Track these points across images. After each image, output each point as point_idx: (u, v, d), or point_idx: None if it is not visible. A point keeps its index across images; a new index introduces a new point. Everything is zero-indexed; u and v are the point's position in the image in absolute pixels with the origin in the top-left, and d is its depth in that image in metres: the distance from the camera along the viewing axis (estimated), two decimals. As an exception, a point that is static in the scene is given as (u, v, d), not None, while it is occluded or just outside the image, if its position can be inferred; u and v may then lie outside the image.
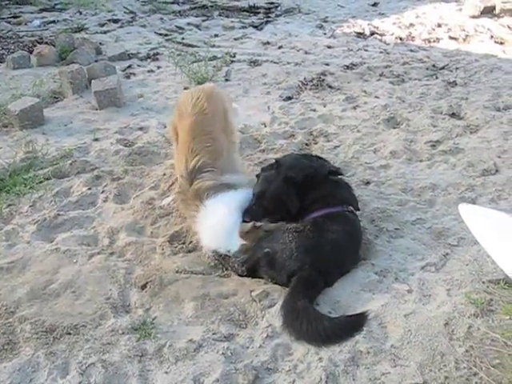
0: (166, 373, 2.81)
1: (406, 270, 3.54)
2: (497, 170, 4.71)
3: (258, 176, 3.97)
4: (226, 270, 3.58)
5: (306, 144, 5.27)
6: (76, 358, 2.88)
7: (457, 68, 7.39)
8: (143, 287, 3.42)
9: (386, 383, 2.73)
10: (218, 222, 3.59)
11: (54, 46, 8.09)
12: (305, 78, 6.98)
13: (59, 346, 2.96)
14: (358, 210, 3.86)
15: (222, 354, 2.90)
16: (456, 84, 6.76)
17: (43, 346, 2.96)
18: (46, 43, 8.40)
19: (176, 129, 4.10)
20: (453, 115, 5.86)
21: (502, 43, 8.64)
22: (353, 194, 3.92)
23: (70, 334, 3.04)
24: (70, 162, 4.85)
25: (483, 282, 3.33)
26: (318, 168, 3.86)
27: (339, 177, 3.96)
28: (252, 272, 3.51)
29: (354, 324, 3.05)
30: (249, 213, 3.69)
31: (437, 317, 3.08)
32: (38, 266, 3.57)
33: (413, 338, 2.97)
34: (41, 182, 4.55)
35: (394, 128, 5.61)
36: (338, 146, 5.20)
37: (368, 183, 4.57)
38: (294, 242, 3.38)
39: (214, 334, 3.05)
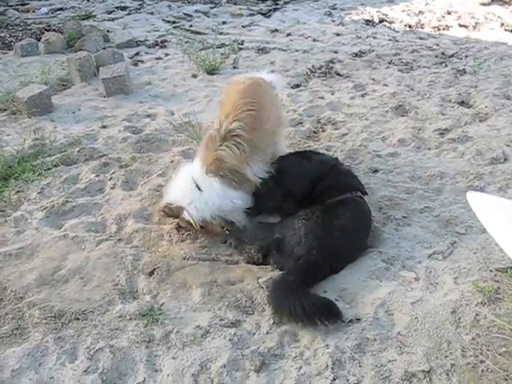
0: (173, 358, 2.83)
1: (413, 257, 3.54)
2: (505, 159, 4.67)
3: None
4: (242, 255, 3.59)
5: (314, 132, 5.24)
6: (84, 343, 2.91)
7: (466, 56, 7.33)
8: (151, 273, 3.44)
9: (392, 370, 2.73)
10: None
11: (61, 33, 8.11)
12: (313, 66, 6.95)
13: (67, 332, 2.99)
14: (366, 194, 3.86)
15: (229, 339, 2.92)
16: (465, 72, 6.70)
17: (52, 331, 2.98)
18: (54, 30, 8.43)
19: None
20: (462, 103, 5.81)
21: (512, 31, 8.55)
22: (357, 179, 3.93)
23: (78, 319, 3.07)
24: (78, 149, 4.87)
25: (491, 271, 3.32)
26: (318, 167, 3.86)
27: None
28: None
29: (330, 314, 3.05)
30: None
31: (444, 305, 3.08)
32: (47, 253, 3.59)
33: (419, 325, 2.97)
34: (49, 169, 4.57)
35: (403, 116, 5.57)
36: (346, 134, 5.18)
37: (376, 171, 4.55)
38: (303, 228, 3.39)
39: (221, 320, 3.06)
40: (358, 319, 3.05)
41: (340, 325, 3.01)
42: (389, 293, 3.21)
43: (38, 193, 4.26)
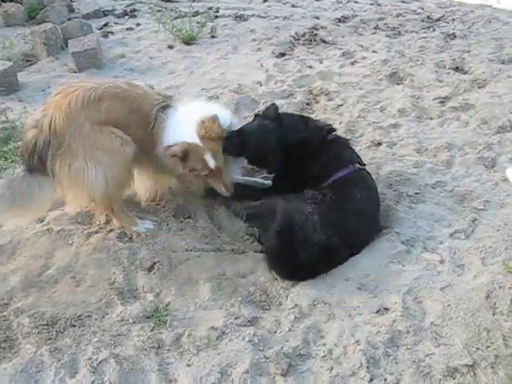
0: (188, 365, 2.53)
1: (433, 238, 3.30)
2: (512, 127, 4.46)
3: (256, 116, 3.64)
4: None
5: (307, 104, 4.92)
6: (85, 354, 2.58)
7: (453, 19, 7.09)
8: (150, 269, 3.10)
9: (431, 365, 2.50)
10: None
11: (21, 3, 7.49)
12: (296, 33, 6.59)
13: (64, 341, 2.64)
14: (364, 165, 3.55)
15: (249, 340, 2.63)
16: (455, 36, 6.47)
17: (46, 342, 2.64)
18: (12, 1, 7.75)
19: None
20: (457, 69, 5.57)
21: (494, -7, 8.31)
22: (354, 151, 3.62)
23: (74, 326, 2.74)
24: (52, 130, 4.41)
25: (519, 248, 3.10)
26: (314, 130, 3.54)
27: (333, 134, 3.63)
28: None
29: None
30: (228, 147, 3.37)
31: (476, 289, 2.85)
32: (30, 250, 3.21)
33: (453, 313, 2.74)
34: (22, 155, 4.11)
35: (398, 84, 5.30)
36: (342, 105, 4.88)
37: (379, 144, 4.27)
38: (317, 214, 3.08)
39: (236, 318, 2.76)
40: (386, 309, 2.79)
41: (367, 316, 2.74)
42: (415, 278, 2.97)
43: (13, 182, 3.81)
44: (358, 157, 3.57)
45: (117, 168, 3.17)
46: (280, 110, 4.49)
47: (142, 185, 3.58)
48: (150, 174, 3.55)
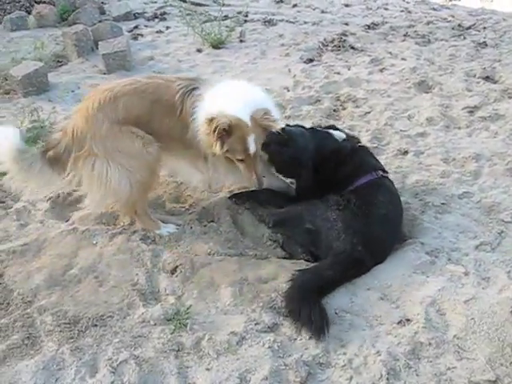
0: (208, 370, 2.52)
1: (458, 249, 3.24)
2: (543, 139, 4.37)
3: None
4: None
5: (334, 110, 4.90)
6: (105, 354, 2.59)
7: (484, 28, 6.98)
8: (173, 271, 3.11)
9: (453, 379, 2.45)
10: None
11: (53, 5, 7.61)
12: (325, 39, 6.56)
13: (85, 340, 2.66)
14: (386, 172, 3.52)
15: (269, 347, 2.60)
16: (486, 45, 6.37)
17: (68, 341, 2.65)
18: (45, 3, 7.89)
19: None
20: (487, 78, 5.48)
21: (527, 1, 8.19)
22: (375, 158, 3.59)
23: (96, 325, 2.75)
24: (80, 131, 4.47)
25: (547, 264, 3.03)
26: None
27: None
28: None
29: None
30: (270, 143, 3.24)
31: (500, 303, 2.78)
32: (55, 249, 3.25)
33: (477, 327, 2.68)
34: (51, 154, 4.17)
35: (427, 92, 5.24)
36: (369, 113, 4.84)
37: (406, 153, 4.23)
38: (341, 221, 3.06)
39: (256, 324, 2.74)
40: (408, 320, 2.74)
41: (389, 327, 2.71)
42: (438, 290, 2.91)
43: (41, 181, 3.88)
44: (379, 163, 3.56)
45: (140, 172, 3.19)
46: (307, 116, 4.53)
47: (193, 177, 3.53)
48: (193, 164, 3.41)
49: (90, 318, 2.77)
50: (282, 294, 2.87)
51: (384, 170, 3.46)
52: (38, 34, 6.89)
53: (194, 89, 3.21)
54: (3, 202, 3.68)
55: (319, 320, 2.70)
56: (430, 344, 2.61)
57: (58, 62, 6.06)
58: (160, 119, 3.21)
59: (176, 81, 3.28)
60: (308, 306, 2.75)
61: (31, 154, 3.24)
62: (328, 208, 3.18)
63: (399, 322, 2.75)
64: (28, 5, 7.97)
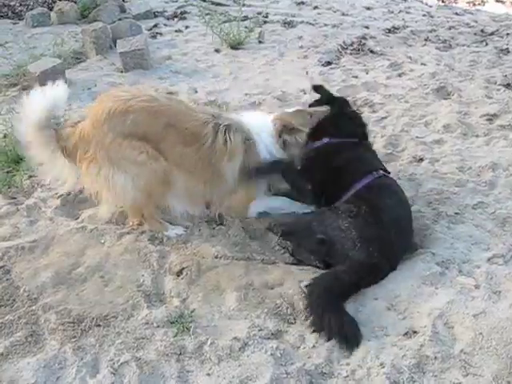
0: (208, 375, 2.50)
1: (470, 261, 3.17)
2: (563, 150, 4.27)
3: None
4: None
5: (350, 115, 4.83)
6: (107, 355, 2.58)
7: (507, 34, 6.87)
8: (179, 274, 3.09)
9: (457, 395, 2.38)
10: None
11: (75, 2, 7.69)
12: (344, 42, 6.51)
13: (88, 340, 2.65)
14: (389, 172, 3.49)
15: (271, 354, 2.57)
16: (509, 52, 6.26)
17: (70, 340, 2.65)
18: (66, -1, 7.96)
19: None
20: (508, 86, 5.39)
21: (553, 8, 8.06)
22: (376, 155, 3.59)
23: (99, 325, 2.74)
24: (95, 129, 4.49)
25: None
26: None
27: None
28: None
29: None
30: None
31: (511, 318, 2.71)
32: (63, 247, 3.26)
33: (485, 342, 2.61)
34: (64, 152, 4.19)
35: (445, 99, 5.16)
36: (385, 118, 4.79)
37: (421, 160, 4.16)
38: (355, 230, 3.02)
39: (260, 330, 2.71)
40: (415, 332, 2.69)
41: (394, 338, 2.66)
42: (447, 302, 2.85)
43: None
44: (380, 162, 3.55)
45: (145, 179, 3.19)
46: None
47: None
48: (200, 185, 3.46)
49: (93, 318, 2.76)
50: (304, 304, 2.82)
51: (385, 170, 3.44)
52: (58, 30, 6.95)
53: (229, 126, 3.35)
54: (14, 198, 3.71)
55: (352, 329, 2.67)
56: (435, 358, 2.55)
57: (77, 58, 6.10)
58: (172, 144, 3.24)
59: (199, 113, 3.37)
60: (338, 315, 2.72)
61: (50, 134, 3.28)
62: (338, 216, 3.14)
63: (405, 334, 2.69)
64: (50, 1, 8.06)
